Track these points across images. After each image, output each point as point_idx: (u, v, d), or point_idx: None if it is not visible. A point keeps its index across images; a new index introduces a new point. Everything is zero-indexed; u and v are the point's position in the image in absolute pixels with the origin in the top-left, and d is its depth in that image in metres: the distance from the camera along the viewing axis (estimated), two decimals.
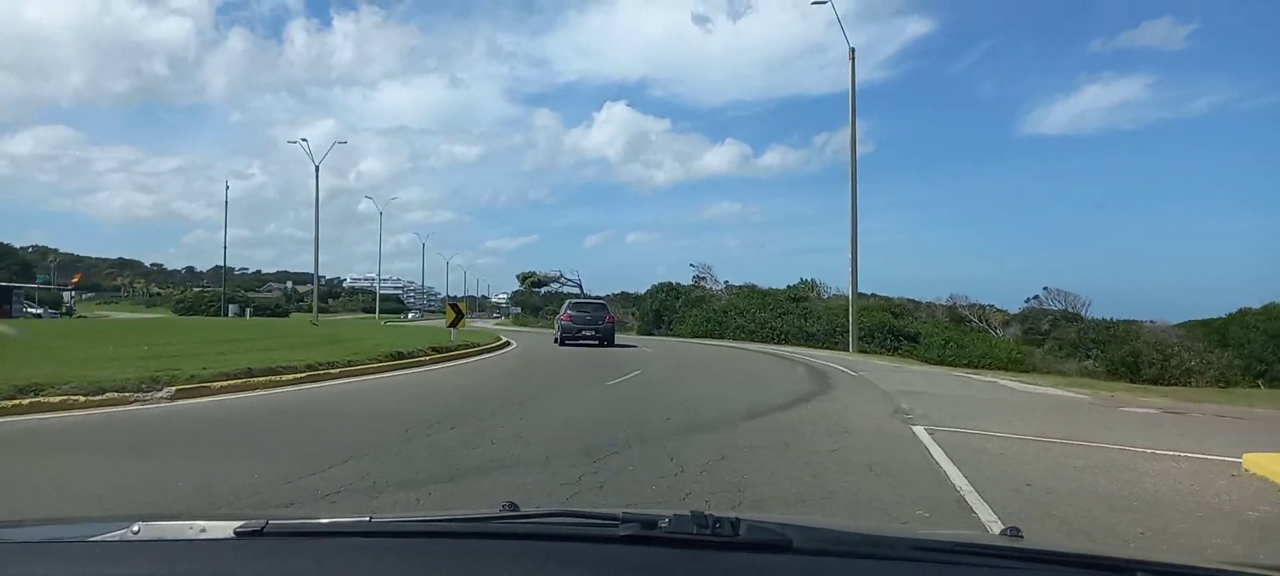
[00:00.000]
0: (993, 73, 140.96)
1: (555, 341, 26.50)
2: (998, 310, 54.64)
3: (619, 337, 28.23)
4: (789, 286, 46.82)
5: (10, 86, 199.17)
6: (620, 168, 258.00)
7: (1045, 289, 48.17)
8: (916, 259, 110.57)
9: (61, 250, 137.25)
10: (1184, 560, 1.42)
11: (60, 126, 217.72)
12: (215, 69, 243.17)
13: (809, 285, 47.18)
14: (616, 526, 1.32)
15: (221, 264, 56.67)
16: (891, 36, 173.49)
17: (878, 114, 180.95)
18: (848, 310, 40.03)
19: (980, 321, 52.40)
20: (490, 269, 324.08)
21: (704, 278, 50.76)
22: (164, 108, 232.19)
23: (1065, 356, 38.37)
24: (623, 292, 71.50)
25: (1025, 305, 48.24)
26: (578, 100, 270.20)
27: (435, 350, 17.63)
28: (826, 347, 36.31)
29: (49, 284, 62.32)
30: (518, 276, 77.32)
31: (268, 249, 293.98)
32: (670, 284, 51.06)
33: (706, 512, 1.33)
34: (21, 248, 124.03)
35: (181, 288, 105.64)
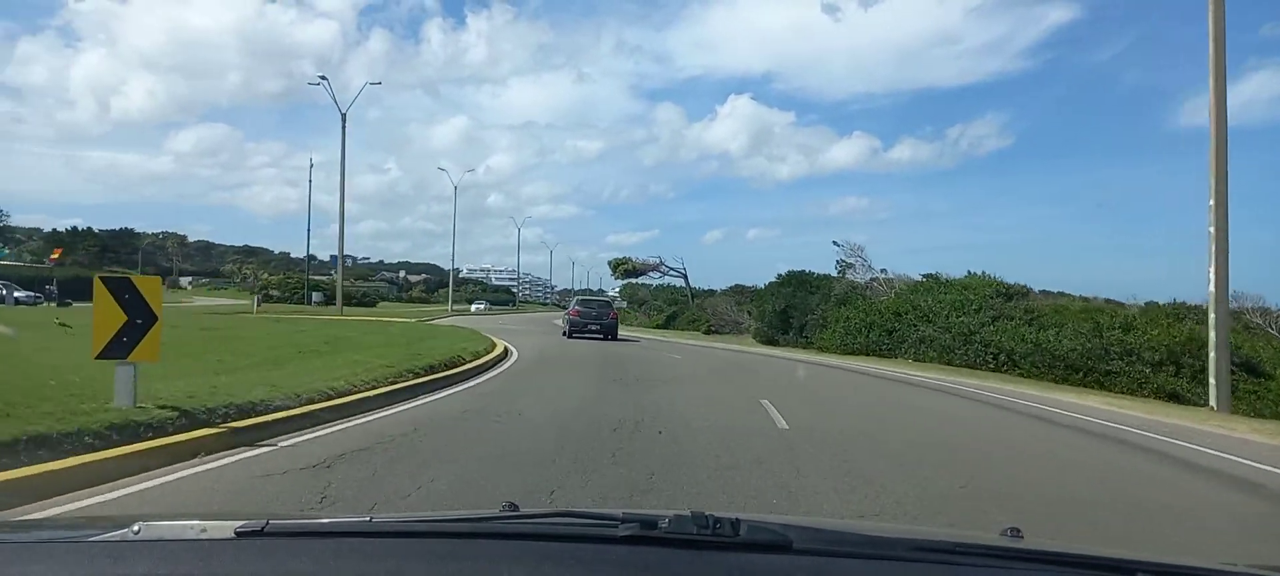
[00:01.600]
0: (1140, 60, 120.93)
1: (564, 334, 27.09)
2: None
3: (725, 347, 22.69)
4: (973, 273, 30.38)
5: (178, 88, 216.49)
6: (742, 162, 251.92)
7: None
8: (1057, 257, 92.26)
9: (195, 240, 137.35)
10: (1184, 560, 1.42)
11: (220, 125, 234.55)
12: (357, 68, 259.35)
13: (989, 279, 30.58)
14: (616, 526, 1.31)
15: (340, 253, 47.24)
16: (1030, 24, 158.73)
17: (1015, 106, 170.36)
18: (1106, 319, 23.59)
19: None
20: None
21: (852, 263, 35.00)
22: (310, 106, 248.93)
23: None
24: (736, 285, 57.33)
25: None
26: (700, 95, 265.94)
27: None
28: (1096, 386, 20.12)
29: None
30: (609, 263, 63.94)
31: (402, 241, 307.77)
32: (801, 273, 35.66)
33: (707, 513, 1.31)
34: (153, 233, 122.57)
35: (281, 274, 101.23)
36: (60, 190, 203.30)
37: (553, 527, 1.41)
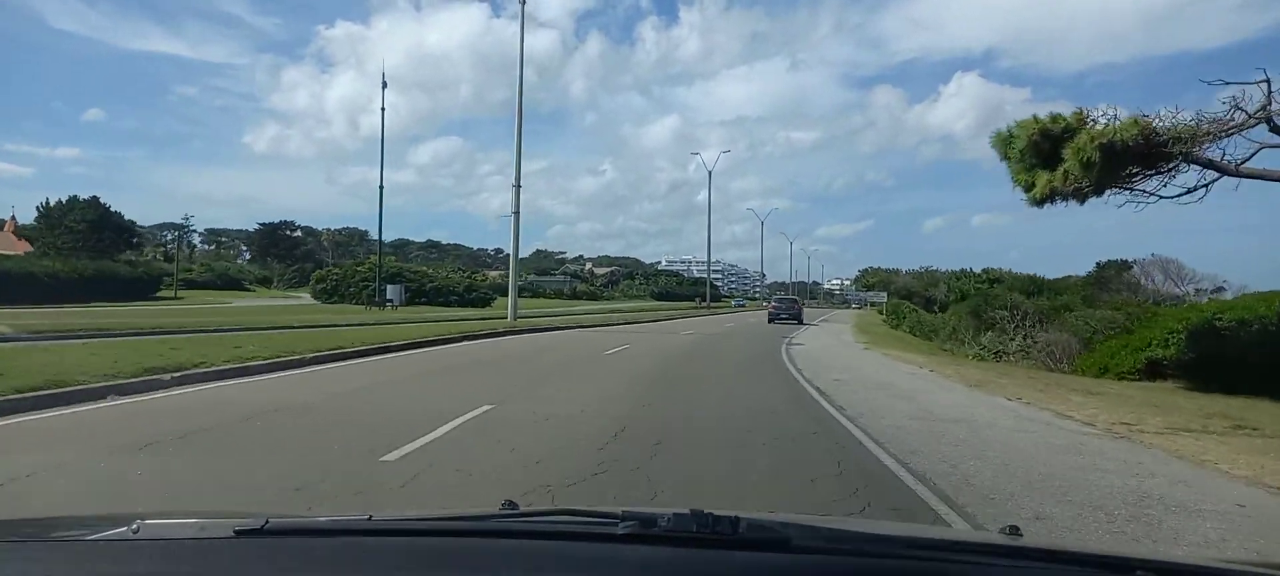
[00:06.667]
0: None
1: (769, 320, 40.47)
2: None
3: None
4: None
5: (420, 104, 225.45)
6: (968, 144, 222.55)
7: None
8: None
9: (393, 239, 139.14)
10: (1184, 559, 1.37)
11: (454, 137, 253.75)
12: (574, 74, 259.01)
13: None
14: (616, 525, 1.27)
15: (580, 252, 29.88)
16: None
17: None
18: None
19: None
20: (823, 256, 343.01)
21: None
22: (532, 114, 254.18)
23: None
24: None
25: None
26: (917, 77, 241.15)
27: None
28: None
29: None
30: (1003, 137, 12.65)
31: (617, 241, 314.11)
32: None
33: (706, 511, 1.28)
34: (329, 229, 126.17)
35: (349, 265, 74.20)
36: (326, 203, 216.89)
37: (552, 526, 1.38)
